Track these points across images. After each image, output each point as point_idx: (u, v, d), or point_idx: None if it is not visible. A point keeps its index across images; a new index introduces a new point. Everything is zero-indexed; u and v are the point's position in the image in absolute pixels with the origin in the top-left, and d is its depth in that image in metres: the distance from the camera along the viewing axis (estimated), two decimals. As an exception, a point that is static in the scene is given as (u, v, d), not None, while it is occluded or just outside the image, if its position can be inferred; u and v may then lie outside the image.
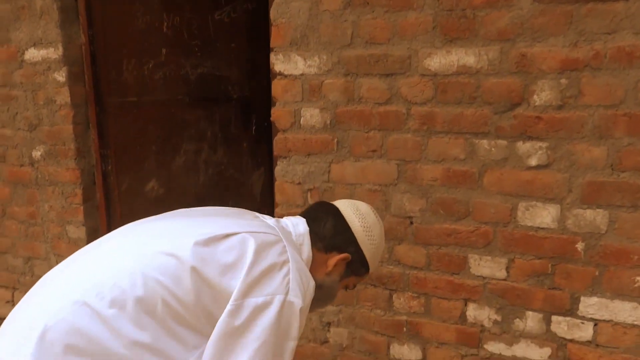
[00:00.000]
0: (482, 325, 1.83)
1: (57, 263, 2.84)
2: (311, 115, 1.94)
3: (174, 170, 2.87)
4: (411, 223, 1.87)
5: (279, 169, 2.06)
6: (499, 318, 1.80)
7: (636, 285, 1.60)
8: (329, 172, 1.95)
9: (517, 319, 1.77)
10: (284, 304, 1.06)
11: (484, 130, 1.70)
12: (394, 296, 1.95)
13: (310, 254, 1.24)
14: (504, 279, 1.77)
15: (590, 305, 1.67)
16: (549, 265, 1.70)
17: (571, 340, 1.72)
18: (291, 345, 1.10)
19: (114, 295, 1.00)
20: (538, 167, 1.65)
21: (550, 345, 1.75)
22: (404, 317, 1.95)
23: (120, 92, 2.58)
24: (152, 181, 2.78)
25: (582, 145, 1.59)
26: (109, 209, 2.63)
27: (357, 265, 1.29)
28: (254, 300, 1.05)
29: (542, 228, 1.69)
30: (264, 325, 1.06)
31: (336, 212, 1.30)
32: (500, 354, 1.82)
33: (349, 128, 1.89)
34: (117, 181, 2.62)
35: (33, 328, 0.98)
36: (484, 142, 1.71)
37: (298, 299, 1.08)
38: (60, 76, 2.42)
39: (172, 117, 2.80)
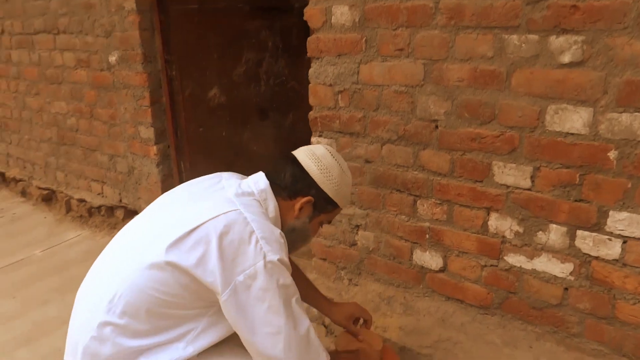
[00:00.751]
0: (504, 236, 1.76)
1: (133, 161, 3.18)
2: (341, 13, 1.89)
3: (235, 78, 2.99)
4: (436, 127, 1.80)
5: (312, 70, 2.06)
6: (520, 230, 1.72)
7: (673, 200, 1.43)
8: (358, 73, 1.92)
9: (540, 232, 1.68)
10: (267, 266, 1.18)
11: (514, 24, 1.55)
12: (418, 202, 1.93)
13: (276, 205, 1.37)
14: (528, 189, 1.67)
15: (619, 220, 1.52)
16: (577, 175, 1.56)
17: (596, 258, 1.60)
18: (292, 291, 1.23)
19: (123, 308, 1.21)
20: (571, 64, 1.49)
21: (572, 261, 1.64)
22: (427, 224, 1.93)
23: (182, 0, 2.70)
24: (214, 89, 2.93)
25: (623, 38, 1.39)
26: (174, 112, 2.84)
27: (322, 204, 1.39)
28: (240, 279, 1.17)
29: (572, 134, 1.54)
30: (260, 293, 1.18)
31: (293, 160, 1.40)
32: (520, 267, 1.75)
33: (377, 26, 1.82)
34: (181, 86, 2.81)
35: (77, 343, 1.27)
36: (514, 38, 1.56)
37: (275, 255, 1.20)
38: (127, -17, 2.58)
39: (233, 25, 2.88)
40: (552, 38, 1.50)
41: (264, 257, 1.19)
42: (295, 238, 1.41)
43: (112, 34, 2.79)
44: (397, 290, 2.09)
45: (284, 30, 3.04)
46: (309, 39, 2.02)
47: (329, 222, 1.49)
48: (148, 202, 2.17)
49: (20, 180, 3.95)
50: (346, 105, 2.00)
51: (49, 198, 3.72)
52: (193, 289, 1.20)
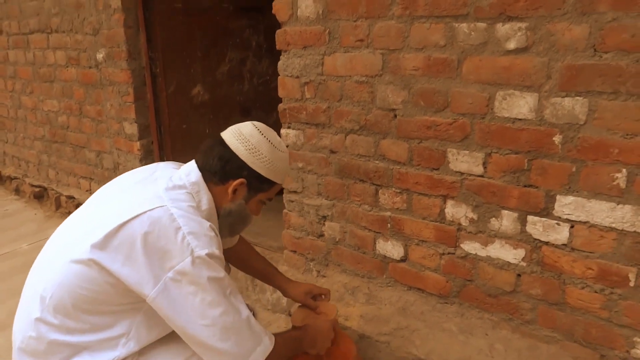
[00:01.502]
0: (459, 224, 1.78)
1: (118, 157, 3.23)
2: (306, 6, 1.95)
3: (218, 77, 3.06)
4: (395, 116, 1.84)
5: (280, 63, 2.12)
6: (475, 216, 1.74)
7: (615, 183, 1.45)
8: (322, 64, 1.98)
9: (493, 218, 1.70)
10: (195, 262, 1.17)
11: (463, 12, 1.59)
12: (380, 192, 1.96)
13: (210, 198, 1.34)
14: (481, 175, 1.69)
15: (566, 204, 1.54)
16: (525, 160, 1.59)
17: (546, 243, 1.61)
18: (224, 283, 1.22)
19: (54, 306, 1.22)
20: (517, 51, 1.52)
21: (524, 246, 1.66)
22: (388, 213, 1.96)
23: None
24: (198, 86, 3.01)
25: (563, 24, 1.43)
26: (157, 109, 2.91)
27: (256, 184, 1.37)
28: (169, 275, 1.17)
29: (519, 119, 1.57)
30: (192, 287, 1.17)
31: (221, 143, 1.36)
32: (475, 254, 1.77)
33: (339, 18, 1.88)
34: (165, 83, 2.88)
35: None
36: (464, 26, 1.60)
37: (204, 249, 1.19)
38: (112, -18, 2.68)
39: (217, 24, 2.96)
40: (499, 25, 1.54)
41: (192, 252, 1.18)
42: (233, 221, 1.40)
43: (100, 31, 2.88)
44: (361, 281, 2.11)
45: (267, 30, 3.11)
46: (277, 32, 2.08)
47: (270, 199, 1.47)
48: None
49: (15, 178, 4.05)
50: (312, 97, 2.05)
51: (40, 195, 3.80)
52: (120, 287, 1.20)
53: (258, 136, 1.37)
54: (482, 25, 1.57)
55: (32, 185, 3.83)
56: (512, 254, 1.69)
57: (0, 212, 3.73)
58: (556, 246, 1.60)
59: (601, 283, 1.54)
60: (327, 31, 1.92)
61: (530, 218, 1.63)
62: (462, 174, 1.73)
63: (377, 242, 2.03)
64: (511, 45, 1.53)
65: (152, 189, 1.29)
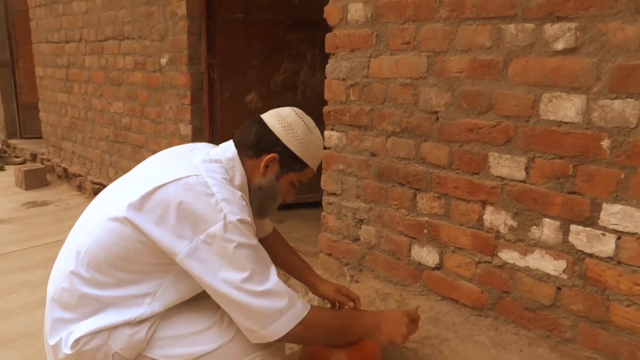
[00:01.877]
0: (498, 231, 1.72)
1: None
2: (356, 10, 2.00)
3: (272, 86, 3.16)
4: (437, 119, 1.82)
5: (328, 66, 2.17)
6: (515, 224, 1.67)
7: (667, 191, 1.36)
8: (368, 67, 2.00)
9: (534, 226, 1.63)
10: (228, 227, 1.21)
11: (511, 13, 1.57)
12: (418, 196, 1.93)
13: (243, 174, 1.39)
14: (523, 181, 1.63)
15: (612, 213, 1.46)
16: (570, 165, 1.52)
17: (590, 255, 1.52)
18: (256, 248, 1.25)
19: (88, 261, 1.28)
20: (565, 51, 1.48)
21: (566, 258, 1.57)
22: (425, 219, 1.92)
23: (229, 8, 2.93)
24: (252, 93, 3.11)
25: (615, 24, 1.38)
26: (212, 112, 3.04)
27: (288, 161, 1.41)
28: (201, 238, 1.20)
29: (565, 122, 1.51)
30: (221, 251, 1.21)
31: (259, 121, 1.43)
32: (513, 264, 1.70)
33: (387, 21, 1.91)
34: (221, 88, 3.01)
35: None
36: (511, 27, 1.58)
37: (235, 215, 1.22)
38: (181, -9, 2.86)
39: (275, 36, 3.07)
40: (547, 26, 1.51)
41: (224, 217, 1.21)
42: (263, 197, 1.42)
43: (165, 37, 3.07)
44: (394, 288, 2.07)
45: (322, 44, 3.19)
46: (327, 35, 2.14)
47: (301, 183, 1.49)
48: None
49: (79, 175, 4.30)
50: (356, 99, 2.07)
51: (99, 191, 4.01)
52: (152, 247, 1.24)
53: (294, 117, 1.44)
54: (530, 26, 1.54)
55: (93, 183, 4.05)
56: (552, 265, 1.61)
57: (62, 205, 3.97)
58: (601, 259, 1.50)
59: (649, 301, 1.43)
60: (374, 34, 1.95)
61: (573, 227, 1.54)
62: (503, 179, 1.68)
63: (412, 248, 1.99)
64: (559, 45, 1.49)
65: (190, 161, 1.35)
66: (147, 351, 1.32)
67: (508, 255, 1.71)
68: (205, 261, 1.22)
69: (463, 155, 1.77)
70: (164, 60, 3.11)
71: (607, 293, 1.50)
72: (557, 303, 1.61)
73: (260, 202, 1.43)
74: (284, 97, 3.20)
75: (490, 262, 1.76)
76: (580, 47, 1.46)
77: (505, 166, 1.67)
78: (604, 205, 1.47)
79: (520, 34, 1.57)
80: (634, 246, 1.43)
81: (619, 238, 1.46)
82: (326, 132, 2.24)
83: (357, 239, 2.19)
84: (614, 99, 1.41)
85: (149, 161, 1.48)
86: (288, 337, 1.30)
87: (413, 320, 1.50)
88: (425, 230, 1.93)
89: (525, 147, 1.61)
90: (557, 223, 1.58)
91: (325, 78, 2.18)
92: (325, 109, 2.21)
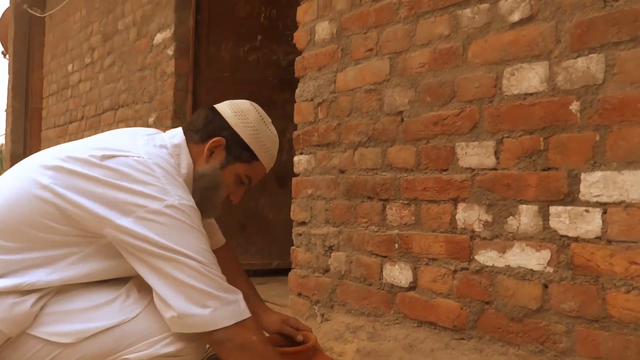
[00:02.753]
0: (473, 230, 1.51)
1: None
2: (322, 29, 2.02)
3: (257, 144, 3.13)
4: (402, 120, 1.72)
5: (298, 90, 2.14)
6: (489, 218, 1.47)
7: (648, 144, 1.18)
8: (335, 82, 1.96)
9: (510, 217, 1.43)
10: (170, 207, 1.10)
11: (466, -3, 1.55)
12: (387, 207, 1.75)
13: (190, 161, 1.27)
14: (494, 168, 1.47)
15: (593, 183, 1.27)
16: (541, 139, 1.37)
17: (575, 239, 1.30)
18: (202, 234, 1.15)
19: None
20: (521, 22, 1.42)
21: (549, 247, 1.34)
22: (396, 231, 1.72)
23: (216, 68, 3.03)
24: (236, 151, 3.07)
25: (566, -19, 1.33)
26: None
27: (236, 149, 1.28)
28: (138, 214, 1.09)
29: (530, 94, 1.39)
30: (161, 227, 1.09)
31: (210, 107, 1.36)
32: (492, 266, 1.46)
33: (351, 33, 1.90)
34: (205, 144, 2.98)
35: None
36: (467, 11, 1.54)
37: (182, 200, 1.13)
38: (170, 50, 2.98)
39: (261, 96, 3.10)
40: (502, 2, 1.47)
41: (170, 199, 1.11)
42: (204, 186, 1.27)
43: (154, 97, 3.14)
44: (366, 320, 1.79)
45: (309, 106, 3.23)
46: (296, 60, 2.14)
47: (250, 181, 1.35)
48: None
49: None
50: (324, 117, 2.00)
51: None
52: (72, 217, 1.10)
53: (248, 106, 1.35)
54: (485, 6, 1.50)
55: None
56: (535, 259, 1.37)
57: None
58: (588, 240, 1.28)
59: (651, 282, 1.17)
60: (340, 48, 1.94)
61: (553, 209, 1.34)
62: (472, 170, 1.52)
63: (383, 269, 1.75)
64: (516, 17, 1.43)
65: (132, 142, 1.23)
66: (32, 329, 1.10)
67: (485, 257, 1.48)
68: (145, 230, 1.09)
69: (430, 152, 1.63)
70: (151, 120, 3.15)
71: (601, 281, 1.25)
72: (546, 305, 1.35)
73: (201, 192, 1.27)
74: (269, 156, 3.15)
75: (467, 269, 1.52)
76: (536, 15, 1.39)
77: (474, 154, 1.51)
78: (583, 175, 1.29)
79: (476, 16, 1.53)
80: (623, 217, 1.22)
81: (604, 212, 1.25)
82: (295, 158, 2.14)
83: (327, 270, 1.96)
84: (577, 57, 1.31)
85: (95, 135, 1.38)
86: (218, 336, 1.10)
87: None
88: (396, 245, 1.72)
89: (492, 129, 1.47)
90: (535, 207, 1.38)
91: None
92: (295, 133, 2.14)
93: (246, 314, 1.14)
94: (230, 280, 1.55)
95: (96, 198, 1.10)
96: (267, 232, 3.17)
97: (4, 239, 1.11)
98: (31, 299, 1.09)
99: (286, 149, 3.23)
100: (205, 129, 1.29)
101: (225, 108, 1.32)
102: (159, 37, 3.10)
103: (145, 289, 1.15)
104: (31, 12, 4.92)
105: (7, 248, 1.11)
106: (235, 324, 1.11)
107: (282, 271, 3.02)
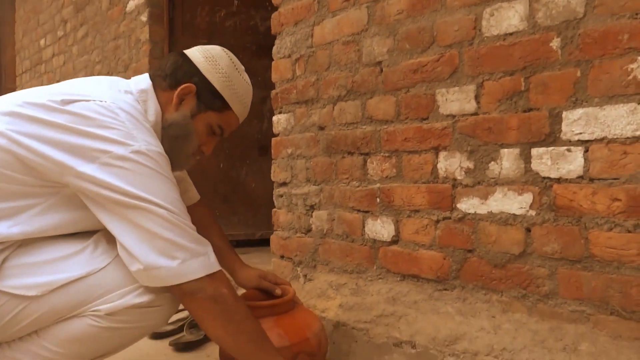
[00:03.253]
0: (455, 179, 1.48)
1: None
2: (298, -19, 1.95)
3: (237, 112, 3.06)
4: (381, 71, 1.67)
5: (274, 48, 2.08)
6: (471, 165, 1.44)
7: (630, 76, 1.15)
8: (312, 35, 1.90)
9: (492, 162, 1.39)
10: (136, 153, 1.05)
11: (443, -63, 1.49)
12: (368, 161, 1.71)
13: (157, 107, 1.21)
14: (474, 113, 1.43)
15: (574, 121, 1.23)
16: (522, 79, 1.33)
17: (558, 180, 1.27)
18: (172, 182, 1.09)
19: None
20: (500, -41, 1.37)
21: (531, 189, 1.32)
22: (377, 185, 1.68)
23: (192, 34, 2.94)
24: (216, 119, 3.00)
25: None
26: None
27: (207, 96, 1.23)
28: (102, 160, 1.04)
29: (510, 33, 1.35)
30: (128, 172, 1.04)
31: (180, 52, 1.29)
32: (474, 213, 1.43)
33: (327, -17, 1.84)
34: (183, 113, 2.90)
35: None
36: (445, -48, 1.49)
37: (150, 145, 1.07)
38: (144, 17, 2.88)
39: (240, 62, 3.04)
40: (480, -61, 1.41)
41: (136, 144, 1.05)
42: (174, 134, 1.21)
43: (129, 66, 3.05)
44: (349, 277, 1.76)
45: (289, 72, 3.16)
46: (272, 15, 2.07)
47: (222, 132, 1.29)
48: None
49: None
50: (302, 73, 1.94)
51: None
52: (30, 164, 1.04)
53: (220, 51, 1.29)
54: (463, -56, 1.45)
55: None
56: (517, 203, 1.34)
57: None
58: (570, 180, 1.25)
59: (635, 217, 1.15)
60: (316, 1, 1.88)
61: (534, 151, 1.31)
62: (453, 116, 1.48)
63: (366, 224, 1.72)
64: (494, -46, 1.38)
65: (96, 88, 1.16)
66: None
67: (468, 205, 1.45)
68: (109, 177, 1.03)
69: (410, 101, 1.59)
70: (127, 89, 3.06)
71: (583, 221, 1.23)
72: (529, 249, 1.32)
73: (170, 141, 1.21)
74: (249, 125, 3.08)
75: (450, 218, 1.49)
76: (515, -50, 1.34)
77: (454, 100, 1.47)
78: (564, 114, 1.26)
79: (454, -44, 1.47)
80: (605, 154, 1.19)
81: (586, 150, 1.22)
82: (274, 118, 2.09)
83: (309, 230, 1.92)
84: (557, -9, 1.27)
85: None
86: (188, 287, 1.06)
87: None
88: (377, 199, 1.68)
89: (472, 73, 1.43)
90: (517, 150, 1.34)
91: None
92: (273, 92, 2.09)
93: (216, 266, 1.11)
94: (204, 235, 1.51)
95: (56, 144, 1.04)
96: (250, 203, 3.12)
97: None
98: None
99: (267, 117, 3.17)
100: (174, 75, 1.23)
101: (196, 53, 1.26)
102: (131, 4, 2.99)
103: (114, 240, 1.10)
104: (-1, -14, 4.74)
105: None
106: (206, 276, 1.07)
107: (266, 242, 2.98)
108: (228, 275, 1.27)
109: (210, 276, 1.08)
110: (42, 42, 4.26)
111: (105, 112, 1.07)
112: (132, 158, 1.04)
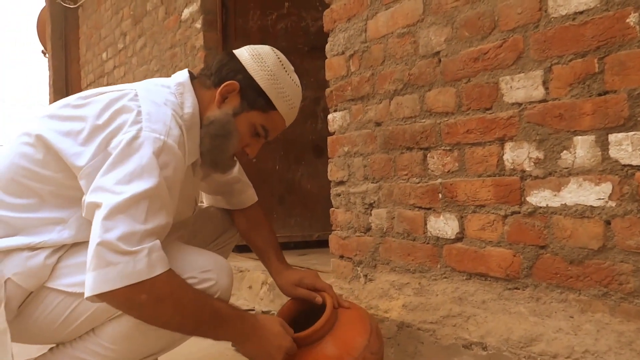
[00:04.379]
0: (523, 170, 1.39)
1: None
2: (350, -24, 1.92)
3: (291, 114, 3.06)
4: (439, 62, 1.60)
5: (328, 46, 2.06)
6: (541, 155, 1.35)
7: None
8: (366, 30, 1.86)
9: (564, 151, 1.30)
10: (137, 137, 1.02)
11: None
12: (428, 156, 1.65)
13: (195, 100, 1.19)
14: (543, 100, 1.34)
15: (659, 102, 1.13)
16: (595, 60, 1.24)
17: (639, 167, 1.17)
18: (153, 181, 1.01)
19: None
20: None
21: (610, 179, 1.22)
22: (439, 180, 1.62)
23: (245, 38, 2.96)
24: (270, 121, 3.02)
25: None
26: (228, 140, 2.95)
27: (251, 95, 1.19)
28: (108, 149, 1.03)
29: (581, 12, 1.26)
30: (117, 158, 1.02)
31: (229, 51, 1.27)
32: (546, 206, 1.34)
33: (380, -24, 1.80)
34: (238, 117, 2.94)
35: None
36: None
37: (154, 132, 1.04)
38: (198, 24, 2.95)
39: (292, 64, 3.04)
40: None
41: (139, 130, 1.03)
42: (214, 131, 1.18)
43: (185, 74, 3.12)
44: (412, 277, 1.70)
45: (342, 71, 3.13)
46: (324, 13, 2.06)
47: (267, 134, 1.25)
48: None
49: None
50: (356, 69, 1.90)
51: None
52: (62, 166, 1.07)
53: (269, 50, 1.27)
54: None
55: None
56: (594, 194, 1.25)
57: None
58: (655, 167, 1.14)
59: None
60: (369, -6, 1.84)
61: (612, 137, 1.21)
62: (519, 104, 1.40)
63: (428, 222, 1.66)
64: None
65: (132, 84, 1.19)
66: (50, 282, 1.07)
67: (538, 197, 1.36)
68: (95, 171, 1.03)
69: (471, 91, 1.51)
70: (184, 96, 3.14)
71: (672, 211, 1.12)
72: (609, 243, 1.22)
73: (211, 139, 1.18)
74: (304, 125, 3.08)
75: (519, 212, 1.40)
76: None
77: (520, 88, 1.39)
78: (646, 95, 1.15)
79: None
80: (696, 137, 1.08)
81: (674, 133, 1.12)
82: (329, 116, 2.07)
83: (368, 229, 1.88)
84: (634, -38, 1.17)
85: None
86: (107, 299, 0.99)
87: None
88: (440, 195, 1.62)
89: (539, 57, 1.35)
90: (592, 137, 1.25)
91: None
92: (327, 91, 2.06)
93: (150, 273, 0.99)
94: (250, 236, 1.48)
95: (68, 143, 1.06)
96: (307, 204, 3.11)
97: (9, 195, 1.09)
98: (45, 252, 1.07)
99: (320, 118, 3.16)
100: (218, 73, 1.21)
101: (243, 51, 1.24)
102: (186, 12, 3.07)
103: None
104: (64, 4, 5.01)
105: (15, 206, 1.08)
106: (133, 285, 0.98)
107: (324, 243, 2.96)
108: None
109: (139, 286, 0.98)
110: (104, 55, 4.46)
111: (123, 99, 1.10)
112: (126, 143, 1.04)
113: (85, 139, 1.06)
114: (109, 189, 0.98)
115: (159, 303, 1.00)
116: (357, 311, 1.32)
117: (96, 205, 0.98)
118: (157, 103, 1.10)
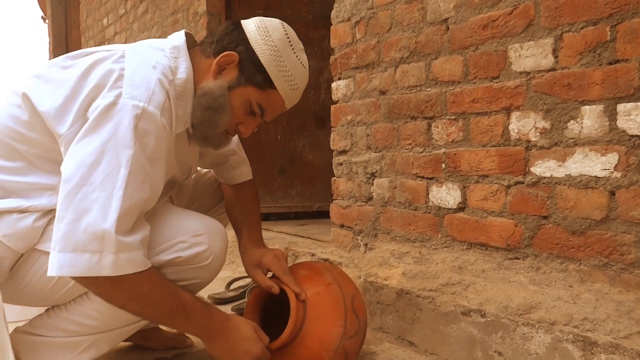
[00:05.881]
0: (528, 140, 1.38)
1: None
2: (357, -60, 1.87)
3: (294, 83, 3.03)
4: (447, 29, 1.58)
5: (333, 12, 2.02)
6: (547, 125, 1.34)
7: None
8: (372, -4, 1.82)
9: (571, 121, 1.29)
10: (115, 105, 0.99)
11: None
12: (432, 125, 1.64)
13: (190, 67, 1.12)
14: (552, 68, 1.32)
15: (670, 72, 1.11)
16: (607, 28, 1.21)
17: (648, 138, 1.16)
18: (128, 153, 0.97)
19: None
20: None
21: (617, 149, 1.21)
22: (442, 150, 1.61)
23: (248, 5, 2.92)
24: (273, 91, 2.99)
25: None
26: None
27: (250, 69, 1.12)
28: (88, 114, 1.00)
29: (595, -22, 1.23)
30: (94, 132, 0.98)
31: (235, 20, 1.20)
32: (550, 177, 1.33)
33: (389, -60, 1.75)
34: (240, 85, 2.91)
35: None
36: None
37: (133, 99, 0.99)
38: (201, -11, 2.89)
39: (296, 33, 2.99)
40: None
41: (118, 95, 0.98)
42: (206, 103, 1.11)
43: (188, 40, 3.07)
44: (412, 246, 1.71)
45: (346, 41, 3.08)
46: (330, -22, 2.01)
47: (263, 113, 1.16)
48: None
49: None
50: (362, 36, 1.87)
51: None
52: (46, 128, 1.04)
53: (277, 24, 1.18)
54: None
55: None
56: (600, 164, 1.24)
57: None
58: (663, 138, 1.13)
59: None
60: (377, -41, 1.80)
61: (621, 107, 1.20)
62: (527, 73, 1.38)
63: (430, 191, 1.65)
64: None
65: (125, 45, 1.14)
66: (40, 244, 1.06)
67: (543, 168, 1.35)
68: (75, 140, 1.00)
69: (479, 59, 1.49)
70: (186, 63, 3.10)
71: (678, 182, 1.11)
72: (612, 214, 1.22)
73: (201, 110, 1.12)
74: (306, 96, 3.04)
75: (522, 182, 1.40)
76: None
77: (529, 56, 1.37)
78: (658, 64, 1.13)
79: None
80: None
81: (684, 103, 1.10)
82: (333, 84, 2.04)
83: (369, 199, 1.88)
84: None
85: None
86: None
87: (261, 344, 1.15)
88: (443, 165, 1.61)
89: (550, 25, 1.32)
90: (600, 107, 1.23)
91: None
92: (331, 58, 2.03)
93: (127, 268, 0.98)
94: (231, 210, 1.44)
95: (50, 107, 1.03)
96: (308, 175, 3.10)
97: (7, 160, 1.07)
98: (34, 215, 1.06)
99: (324, 88, 3.13)
100: (220, 42, 1.14)
101: (250, 22, 1.16)
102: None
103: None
104: (64, -32, 4.91)
105: (6, 168, 1.07)
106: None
107: (324, 214, 2.96)
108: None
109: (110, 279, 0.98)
110: (104, 21, 4.39)
111: (107, 60, 1.06)
112: (104, 110, 1.00)
113: (66, 103, 1.03)
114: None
115: (116, 291, 1.00)
116: (326, 290, 1.22)
117: None
118: (143, 66, 1.04)
